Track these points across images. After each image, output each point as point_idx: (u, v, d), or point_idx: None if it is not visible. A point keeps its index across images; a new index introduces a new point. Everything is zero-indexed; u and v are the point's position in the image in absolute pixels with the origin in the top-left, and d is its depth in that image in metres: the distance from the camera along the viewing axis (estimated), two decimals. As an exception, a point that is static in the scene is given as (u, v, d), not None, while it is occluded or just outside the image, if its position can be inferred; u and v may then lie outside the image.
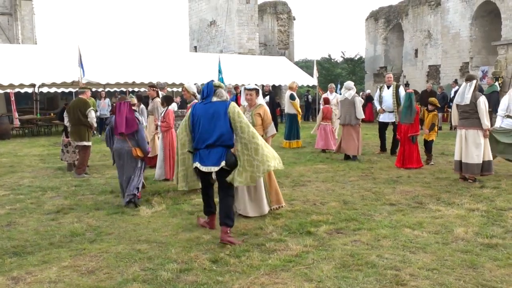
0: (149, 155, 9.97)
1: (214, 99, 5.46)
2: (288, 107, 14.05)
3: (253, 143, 5.29)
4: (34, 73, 18.49)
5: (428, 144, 10.36)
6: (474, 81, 8.30)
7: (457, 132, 8.60)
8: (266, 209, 6.35)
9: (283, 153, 12.60)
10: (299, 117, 14.00)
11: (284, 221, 6.04)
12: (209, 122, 5.35)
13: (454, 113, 8.62)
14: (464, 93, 8.29)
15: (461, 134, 8.38)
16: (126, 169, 7.10)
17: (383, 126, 12.19)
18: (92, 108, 9.94)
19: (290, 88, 14.00)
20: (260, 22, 32.79)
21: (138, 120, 7.15)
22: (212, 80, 5.75)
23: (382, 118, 12.17)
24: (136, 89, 23.40)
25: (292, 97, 13.77)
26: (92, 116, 9.79)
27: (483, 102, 8.15)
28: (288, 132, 13.96)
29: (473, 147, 8.20)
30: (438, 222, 5.92)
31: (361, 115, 11.09)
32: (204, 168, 5.36)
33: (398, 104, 11.55)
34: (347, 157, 11.19)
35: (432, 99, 10.65)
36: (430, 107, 10.29)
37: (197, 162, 5.42)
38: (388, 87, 11.95)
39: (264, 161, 5.30)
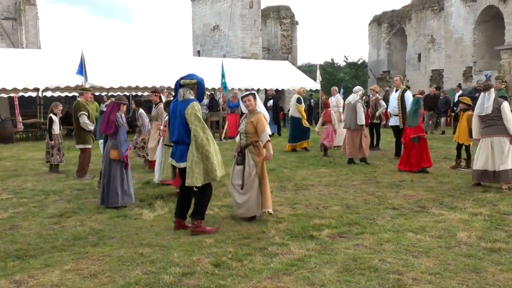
0: (149, 159, 10.09)
1: (180, 98, 5.82)
2: (293, 111, 14.15)
3: (204, 149, 5.63)
4: (38, 77, 18.54)
5: (467, 149, 10.28)
6: (492, 89, 8.22)
7: (480, 141, 8.30)
8: (257, 212, 6.33)
9: (285, 157, 12.61)
10: (304, 120, 13.96)
11: (287, 225, 6.03)
12: (173, 120, 5.87)
13: (475, 124, 8.43)
14: (483, 104, 8.13)
15: (486, 143, 8.14)
16: (107, 170, 7.22)
17: (394, 130, 12.11)
18: (83, 112, 9.72)
19: (298, 92, 14.21)
20: (263, 27, 32.86)
21: (118, 122, 7.21)
22: (179, 79, 5.94)
23: (391, 122, 12.14)
24: (139, 93, 23.45)
25: (298, 101, 13.88)
26: (83, 120, 9.68)
27: (507, 107, 8.02)
28: (292, 136, 13.97)
29: (500, 154, 7.99)
30: (441, 226, 5.91)
31: (361, 121, 10.99)
32: (173, 162, 5.93)
33: (402, 108, 11.47)
34: (350, 161, 11.19)
35: (463, 97, 10.64)
36: (462, 105, 10.21)
37: (170, 158, 6.04)
38: (396, 90, 11.92)
39: (213, 169, 5.67)
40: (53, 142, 10.44)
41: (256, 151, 6.27)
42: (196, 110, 5.67)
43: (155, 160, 9.41)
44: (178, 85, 5.89)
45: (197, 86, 5.90)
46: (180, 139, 5.79)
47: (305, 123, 13.96)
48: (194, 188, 5.86)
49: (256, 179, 6.24)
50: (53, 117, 10.52)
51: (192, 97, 5.80)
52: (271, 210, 6.35)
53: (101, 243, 5.44)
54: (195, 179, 5.66)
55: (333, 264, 4.64)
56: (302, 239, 5.50)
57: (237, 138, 6.65)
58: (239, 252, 5.02)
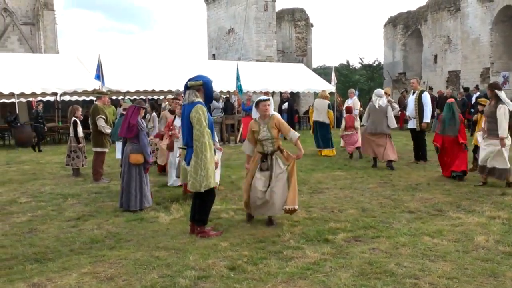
0: (160, 163, 10.15)
1: (185, 101, 5.83)
2: (324, 117, 13.60)
3: (203, 155, 5.57)
4: (56, 82, 18.80)
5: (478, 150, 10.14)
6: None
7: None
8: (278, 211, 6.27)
9: (300, 160, 12.49)
10: (331, 126, 13.71)
11: (302, 229, 6.02)
12: (182, 123, 5.94)
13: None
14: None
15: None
16: (126, 174, 7.28)
17: (412, 133, 11.87)
18: (101, 116, 9.84)
19: (326, 97, 13.81)
20: (278, 29, 32.87)
21: (140, 127, 7.26)
22: (187, 81, 5.89)
23: (409, 125, 11.89)
24: (155, 97, 23.60)
25: (329, 107, 13.59)
26: (100, 124, 9.79)
27: (504, 110, 8.09)
28: (322, 141, 13.67)
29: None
30: (458, 230, 5.84)
31: (393, 124, 10.79)
32: (185, 166, 5.92)
33: (419, 110, 11.33)
34: (388, 164, 10.90)
35: (481, 99, 10.50)
36: (480, 107, 10.09)
37: (183, 160, 6.04)
38: (413, 93, 11.76)
39: (208, 176, 5.60)
40: (81, 144, 10.53)
41: (285, 155, 6.26)
42: (199, 113, 5.56)
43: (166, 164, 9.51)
44: (186, 87, 5.87)
45: (204, 87, 5.81)
46: (188, 142, 5.81)
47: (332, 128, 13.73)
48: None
49: (284, 177, 6.20)
50: (77, 120, 10.62)
51: (197, 99, 5.72)
52: (295, 206, 6.22)
53: (118, 246, 5.49)
54: (191, 184, 5.70)
55: (349, 268, 4.62)
56: (318, 242, 5.48)
57: (248, 147, 6.48)
58: (254, 255, 5.03)
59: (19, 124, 18.60)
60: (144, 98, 22.36)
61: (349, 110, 13.16)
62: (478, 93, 18.48)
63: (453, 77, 26.90)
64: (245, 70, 21.22)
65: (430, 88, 23.19)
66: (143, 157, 7.26)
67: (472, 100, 18.20)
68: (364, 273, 4.49)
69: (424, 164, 11.21)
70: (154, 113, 10.67)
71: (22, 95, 18.97)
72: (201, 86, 5.81)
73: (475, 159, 10.26)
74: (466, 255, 4.95)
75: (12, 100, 19.26)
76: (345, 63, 42.69)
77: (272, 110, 6.45)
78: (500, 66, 23.26)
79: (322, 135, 13.65)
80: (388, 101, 13.29)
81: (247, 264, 4.77)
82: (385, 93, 13.81)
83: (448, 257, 4.88)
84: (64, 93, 19.73)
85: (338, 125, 20.43)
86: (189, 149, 5.81)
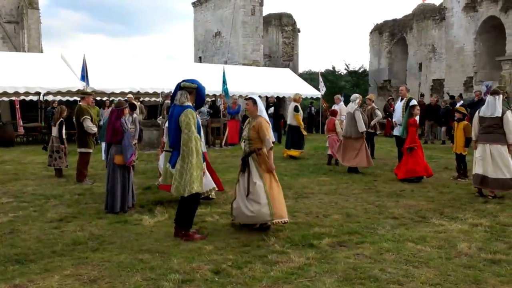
0: None
1: (176, 102, 5.78)
2: (291, 119, 14.09)
3: (189, 160, 5.56)
4: (39, 81, 18.57)
5: (463, 159, 10.18)
6: (501, 95, 8.25)
7: (479, 147, 8.33)
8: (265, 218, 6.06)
9: (285, 164, 12.60)
10: (302, 128, 13.97)
11: (287, 233, 6.02)
12: (170, 124, 5.86)
13: (475, 126, 8.44)
14: (494, 106, 8.11)
15: (485, 149, 8.16)
16: (111, 176, 7.23)
17: (397, 140, 11.84)
18: (86, 116, 9.72)
19: (295, 100, 14.11)
20: (265, 34, 32.92)
21: (124, 128, 7.22)
22: (179, 83, 5.86)
23: (395, 132, 11.91)
24: (141, 98, 23.47)
25: (296, 110, 13.84)
26: (87, 124, 9.70)
27: (510, 116, 8.04)
28: (289, 142, 14.07)
29: (500, 162, 8.04)
30: (441, 237, 5.90)
31: (362, 128, 11.10)
32: (170, 168, 5.86)
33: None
34: (350, 170, 11.19)
35: (459, 107, 10.60)
36: (457, 115, 10.19)
37: (168, 163, 5.99)
38: (401, 100, 11.82)
39: (192, 181, 5.57)
40: (63, 146, 10.42)
41: (259, 159, 6.06)
42: (189, 118, 5.55)
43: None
44: (178, 87, 5.84)
45: (196, 92, 5.84)
46: (175, 145, 5.77)
47: (303, 131, 14.02)
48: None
49: (262, 190, 5.98)
50: (63, 121, 10.50)
51: (188, 103, 5.72)
52: (285, 219, 6.13)
53: (101, 249, 5.43)
54: (175, 188, 5.68)
55: (333, 273, 4.63)
56: (302, 247, 5.48)
57: (242, 144, 6.35)
58: (239, 259, 5.01)
59: (1, 123, 18.37)
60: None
61: (333, 113, 13.21)
62: (461, 102, 18.70)
63: (437, 85, 27.18)
64: (232, 73, 21.22)
65: (422, 95, 23.47)
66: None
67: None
68: (348, 278, 4.50)
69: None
70: (134, 115, 10.60)
71: (4, 94, 18.68)
72: (195, 90, 5.83)
73: (459, 166, 10.36)
74: (449, 261, 5.00)
75: (-5, 99, 19.00)
76: (331, 69, 42.80)
77: (262, 112, 6.25)
78: (484, 76, 23.57)
79: (289, 136, 14.16)
80: (371, 107, 13.49)
81: (232, 268, 4.76)
82: (369, 99, 14.01)
83: (431, 263, 4.93)
84: (48, 93, 19.50)
85: (323, 130, 20.59)
86: (175, 152, 5.78)
